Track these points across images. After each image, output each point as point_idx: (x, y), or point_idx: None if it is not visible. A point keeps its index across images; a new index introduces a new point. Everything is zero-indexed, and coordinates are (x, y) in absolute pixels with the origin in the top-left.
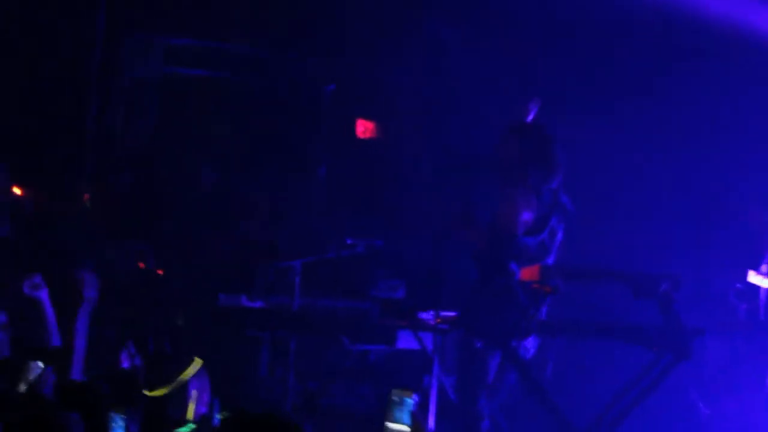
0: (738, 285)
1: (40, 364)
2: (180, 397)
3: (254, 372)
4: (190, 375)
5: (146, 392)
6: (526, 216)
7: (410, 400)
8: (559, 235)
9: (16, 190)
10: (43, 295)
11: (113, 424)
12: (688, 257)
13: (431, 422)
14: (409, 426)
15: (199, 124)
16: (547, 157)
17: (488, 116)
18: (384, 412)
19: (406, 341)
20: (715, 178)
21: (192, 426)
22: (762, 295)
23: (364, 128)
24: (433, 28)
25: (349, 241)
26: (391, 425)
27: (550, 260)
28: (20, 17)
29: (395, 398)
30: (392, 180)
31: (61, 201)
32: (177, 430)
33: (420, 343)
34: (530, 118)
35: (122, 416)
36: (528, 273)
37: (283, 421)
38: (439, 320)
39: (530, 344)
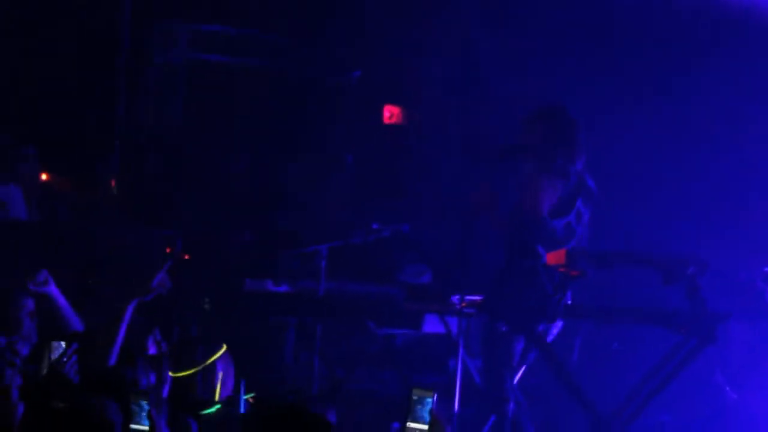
0: (765, 269)
1: (63, 344)
2: (207, 379)
3: (280, 357)
4: (216, 359)
5: (172, 374)
6: (552, 198)
7: (430, 399)
8: (586, 217)
9: (44, 177)
10: (52, 289)
11: (136, 409)
12: (715, 242)
13: (456, 406)
14: (427, 424)
15: (226, 110)
16: (572, 140)
17: (515, 101)
18: (406, 406)
19: (431, 325)
20: (742, 164)
21: (218, 406)
22: None
23: (390, 114)
24: (460, 14)
25: (375, 226)
26: (411, 425)
27: (580, 243)
28: (48, 5)
29: (415, 397)
30: (418, 165)
31: (89, 187)
32: (204, 411)
33: (445, 327)
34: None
35: (145, 401)
36: (554, 257)
37: (309, 412)
38: (464, 304)
39: (555, 328)
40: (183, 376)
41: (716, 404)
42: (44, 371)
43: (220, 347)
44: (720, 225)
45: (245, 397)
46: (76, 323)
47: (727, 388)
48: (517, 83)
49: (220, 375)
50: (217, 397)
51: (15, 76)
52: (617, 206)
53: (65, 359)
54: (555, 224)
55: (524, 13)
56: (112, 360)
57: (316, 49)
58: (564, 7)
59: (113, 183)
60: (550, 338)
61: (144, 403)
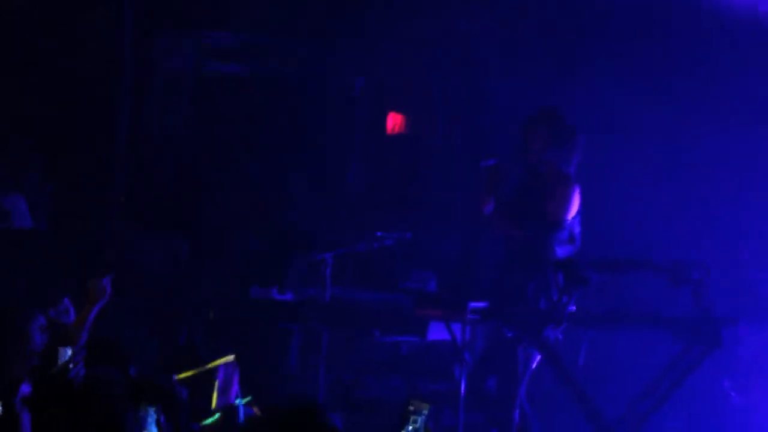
0: None
1: (69, 350)
2: (206, 384)
3: (286, 364)
4: (219, 364)
5: (175, 376)
6: (574, 205)
7: (426, 411)
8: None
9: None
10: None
11: (146, 417)
12: (721, 247)
13: (461, 413)
14: None
15: (231, 118)
16: (570, 144)
17: (520, 108)
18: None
19: (437, 332)
20: (746, 165)
21: (218, 416)
22: None
23: (394, 122)
24: (465, 22)
25: (379, 234)
26: None
27: (577, 245)
28: (53, 13)
29: (412, 408)
30: (423, 172)
31: (95, 195)
32: (204, 422)
33: (451, 334)
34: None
35: (153, 408)
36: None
37: (317, 420)
38: (470, 311)
39: (560, 332)
40: (183, 377)
41: (723, 409)
42: (50, 377)
43: (226, 355)
44: (724, 229)
45: (242, 401)
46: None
47: (734, 394)
48: (521, 89)
49: (219, 382)
50: (214, 405)
51: (19, 84)
52: (620, 211)
53: (71, 365)
54: (572, 224)
55: (532, 19)
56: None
57: (321, 56)
58: (569, 13)
59: (119, 190)
60: (555, 344)
61: (152, 411)
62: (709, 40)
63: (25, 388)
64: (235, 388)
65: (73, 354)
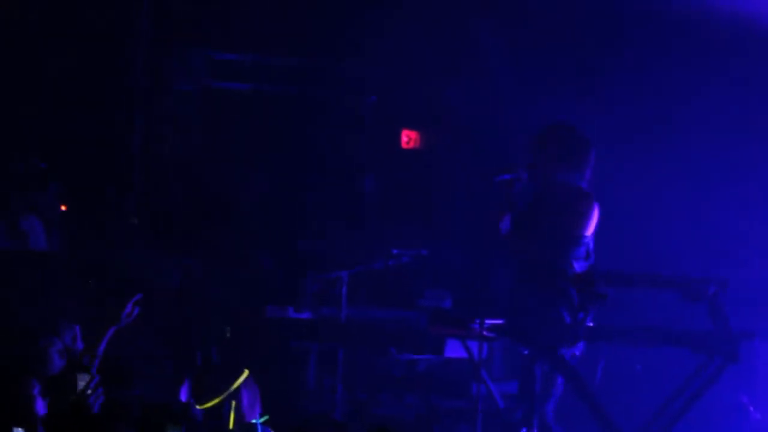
0: None
1: (86, 376)
2: (230, 407)
3: (302, 383)
4: (239, 385)
5: (197, 405)
6: (593, 221)
7: None
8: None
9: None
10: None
11: None
12: (737, 260)
13: (479, 430)
14: None
15: (244, 137)
16: (582, 157)
17: (533, 124)
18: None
19: (453, 350)
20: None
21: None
22: None
23: (408, 138)
24: (478, 37)
25: (395, 252)
26: None
27: (592, 260)
28: (64, 32)
29: None
30: (437, 189)
31: (108, 216)
32: None
33: (467, 351)
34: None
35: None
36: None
37: None
38: (485, 328)
39: (578, 350)
40: (210, 406)
41: (741, 424)
42: (68, 402)
43: (242, 373)
44: (742, 244)
45: (261, 420)
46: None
47: (752, 408)
48: (534, 104)
49: (237, 403)
50: (232, 425)
51: (31, 105)
52: (636, 226)
53: (89, 391)
54: (588, 239)
55: (545, 35)
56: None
57: (333, 74)
58: (585, 32)
59: (132, 211)
60: (572, 360)
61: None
62: (717, 53)
63: (41, 409)
64: (258, 406)
65: (89, 379)
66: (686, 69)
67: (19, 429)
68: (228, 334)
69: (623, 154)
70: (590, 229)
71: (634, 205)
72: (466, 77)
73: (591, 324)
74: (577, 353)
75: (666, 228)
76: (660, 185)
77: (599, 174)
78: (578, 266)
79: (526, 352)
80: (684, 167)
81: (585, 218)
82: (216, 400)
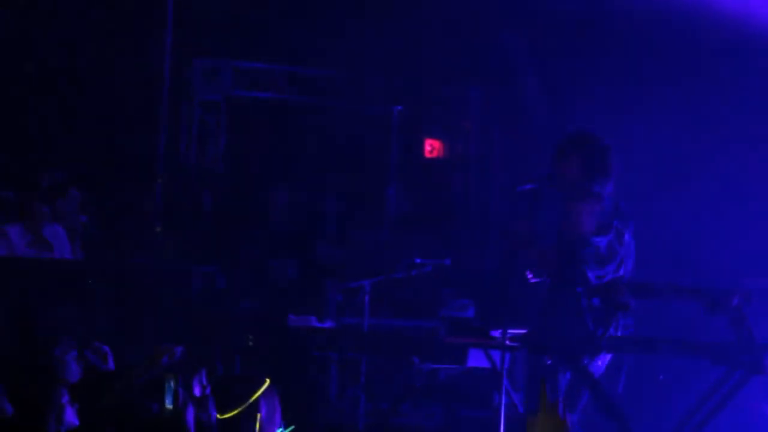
0: None
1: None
2: (250, 417)
3: (325, 392)
4: (260, 395)
5: (219, 415)
6: (593, 220)
7: None
8: (626, 238)
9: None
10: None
11: None
12: (760, 269)
13: None
14: None
15: (268, 146)
16: (606, 166)
17: (556, 131)
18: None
19: (476, 360)
20: None
21: None
22: None
23: (431, 147)
24: (502, 47)
25: (417, 261)
26: None
27: (624, 267)
28: (88, 43)
29: None
30: (460, 198)
31: (132, 224)
32: None
33: (490, 361)
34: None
35: None
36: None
37: None
38: (508, 338)
39: (601, 360)
40: (229, 416)
41: None
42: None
43: (263, 382)
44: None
45: (285, 431)
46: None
47: None
48: (559, 113)
49: (262, 414)
50: None
51: (55, 115)
52: (661, 235)
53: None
54: (598, 242)
55: (570, 46)
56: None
57: (358, 84)
58: (609, 35)
59: (156, 220)
60: (599, 371)
61: None
62: (735, 62)
63: (71, 419)
64: (279, 416)
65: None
66: (715, 77)
67: None
68: (251, 343)
69: (651, 162)
70: (589, 229)
71: (664, 215)
72: (490, 86)
73: (618, 333)
74: (603, 365)
75: (695, 237)
76: (691, 194)
77: (628, 183)
78: (591, 274)
79: (549, 362)
80: (716, 176)
81: (584, 220)
82: (234, 411)
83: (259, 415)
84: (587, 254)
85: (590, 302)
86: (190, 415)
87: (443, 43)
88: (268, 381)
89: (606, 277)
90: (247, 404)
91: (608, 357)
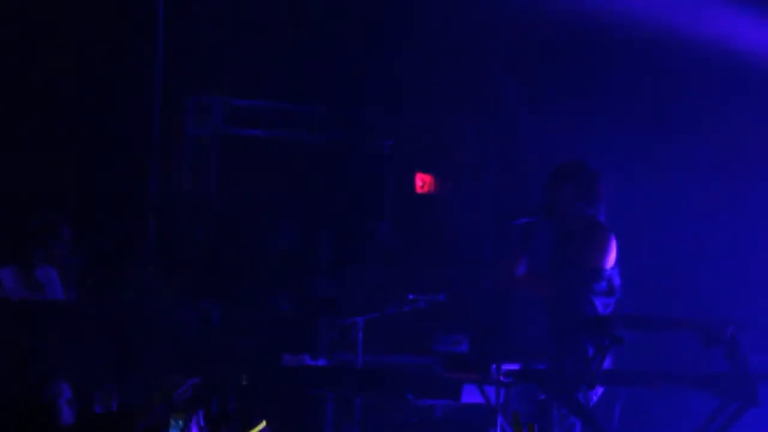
0: None
1: None
2: None
3: (320, 430)
4: None
5: None
6: (607, 258)
7: None
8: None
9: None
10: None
11: None
12: (753, 300)
13: None
14: None
15: (260, 182)
16: (597, 191)
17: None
18: None
19: (471, 395)
20: None
21: None
22: None
23: (422, 182)
24: (493, 80)
25: (411, 296)
26: None
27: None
28: (79, 78)
29: None
30: (453, 233)
31: (125, 264)
32: None
33: (485, 396)
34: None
35: None
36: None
37: None
38: (502, 373)
39: (594, 393)
40: None
41: None
42: None
43: (259, 422)
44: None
45: None
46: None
47: None
48: (550, 146)
49: None
50: None
51: (45, 151)
52: (654, 268)
53: None
54: (610, 273)
55: (559, 79)
56: None
57: (349, 120)
58: (599, 65)
59: (149, 257)
60: (591, 403)
61: None
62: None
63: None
64: None
65: None
66: (713, 103)
67: None
68: (244, 382)
69: (645, 192)
70: (609, 262)
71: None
72: (481, 120)
73: (609, 367)
74: (595, 399)
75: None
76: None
77: (629, 214)
78: (599, 302)
79: (542, 397)
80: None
81: (602, 250)
82: None
83: None
84: (600, 287)
85: (584, 336)
86: None
87: (435, 77)
88: (264, 422)
89: (610, 307)
90: None
91: (600, 391)
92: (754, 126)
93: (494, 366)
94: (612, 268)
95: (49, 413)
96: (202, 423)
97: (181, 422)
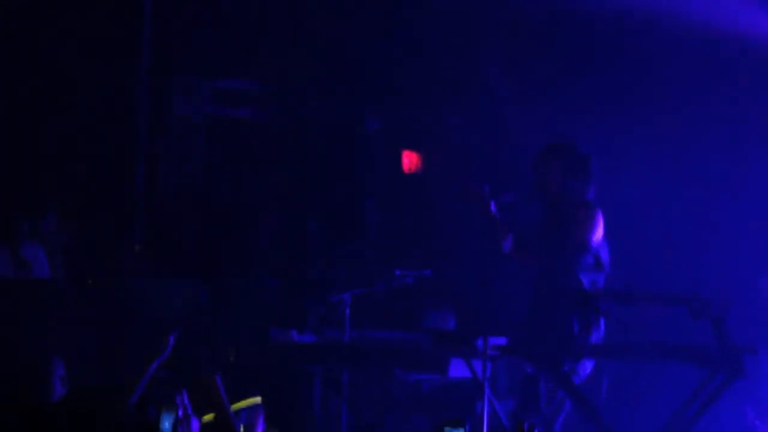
0: None
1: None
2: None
3: (307, 406)
4: (242, 407)
5: (198, 421)
6: (595, 233)
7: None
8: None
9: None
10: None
11: None
12: (742, 274)
13: None
14: None
15: (247, 163)
16: (587, 172)
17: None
18: None
19: (458, 369)
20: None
21: None
22: None
23: (409, 161)
24: (479, 62)
25: (398, 272)
26: None
27: (606, 271)
28: (65, 62)
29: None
30: (439, 210)
31: (113, 242)
32: None
33: (471, 370)
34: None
35: None
36: None
37: None
38: (489, 347)
39: (582, 368)
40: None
41: None
42: None
43: (252, 398)
44: (743, 255)
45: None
46: None
47: (758, 423)
48: (536, 124)
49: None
50: None
51: (33, 133)
52: (640, 242)
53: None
54: (598, 249)
55: (544, 54)
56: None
57: (336, 99)
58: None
59: (137, 238)
60: (580, 379)
61: None
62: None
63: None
64: (261, 430)
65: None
66: (702, 88)
67: None
68: (232, 358)
69: (637, 175)
70: (595, 237)
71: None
72: (468, 100)
73: (599, 339)
74: (584, 374)
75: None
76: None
77: (618, 194)
78: (585, 277)
79: (530, 370)
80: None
81: (587, 225)
82: (211, 416)
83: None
84: (587, 261)
85: (571, 309)
86: None
87: (422, 58)
88: (259, 399)
89: (599, 282)
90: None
91: (591, 365)
92: (744, 105)
93: (481, 340)
94: (599, 244)
95: (43, 388)
96: (185, 401)
97: (172, 414)
